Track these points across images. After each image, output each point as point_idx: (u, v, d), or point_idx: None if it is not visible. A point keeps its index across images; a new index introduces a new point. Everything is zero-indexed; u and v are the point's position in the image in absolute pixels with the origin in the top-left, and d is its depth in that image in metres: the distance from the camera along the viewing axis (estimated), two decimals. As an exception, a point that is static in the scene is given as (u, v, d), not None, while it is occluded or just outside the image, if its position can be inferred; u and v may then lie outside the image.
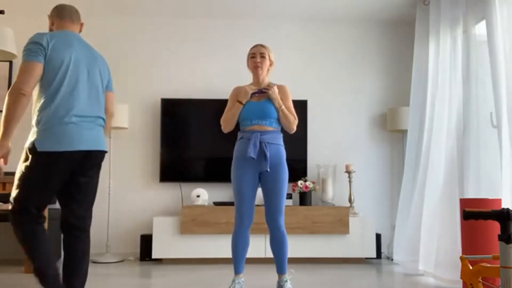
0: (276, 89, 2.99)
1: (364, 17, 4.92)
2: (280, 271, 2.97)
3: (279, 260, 2.96)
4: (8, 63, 4.75)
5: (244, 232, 2.95)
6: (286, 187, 2.97)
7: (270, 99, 2.98)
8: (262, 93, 3.00)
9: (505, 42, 3.14)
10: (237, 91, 3.07)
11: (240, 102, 2.98)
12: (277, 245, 2.94)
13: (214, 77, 4.90)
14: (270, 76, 3.14)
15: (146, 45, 4.91)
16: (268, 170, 2.88)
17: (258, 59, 3.01)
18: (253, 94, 2.99)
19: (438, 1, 4.01)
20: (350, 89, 4.99)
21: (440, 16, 3.95)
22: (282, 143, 3.01)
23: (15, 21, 4.83)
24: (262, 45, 3.07)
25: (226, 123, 3.04)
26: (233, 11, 4.77)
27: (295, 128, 3.03)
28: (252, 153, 2.85)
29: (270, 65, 3.09)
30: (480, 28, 3.53)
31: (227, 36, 4.96)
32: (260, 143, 2.90)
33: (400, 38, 5.05)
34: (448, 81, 3.76)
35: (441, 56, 3.85)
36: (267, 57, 3.04)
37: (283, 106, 2.98)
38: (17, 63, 4.78)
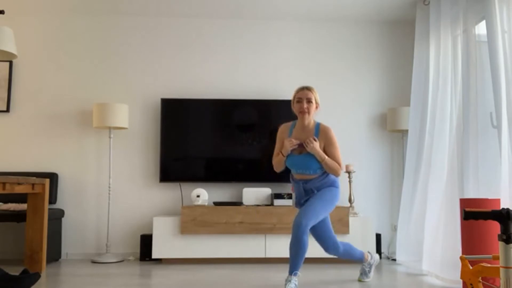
0: (316, 145, 3.01)
1: (364, 17, 4.92)
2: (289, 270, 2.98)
3: (290, 259, 2.98)
4: (8, 63, 4.75)
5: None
6: (325, 203, 3.03)
7: None
8: (303, 146, 3.06)
9: (505, 42, 3.15)
10: (282, 135, 3.19)
11: (283, 154, 3.11)
12: (291, 244, 2.96)
13: (214, 77, 4.90)
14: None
15: (146, 45, 4.91)
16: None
17: (305, 105, 3.06)
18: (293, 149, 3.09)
19: (438, 1, 4.01)
20: (350, 89, 4.99)
21: (440, 16, 3.95)
22: (329, 181, 3.10)
23: (15, 21, 4.84)
24: (308, 89, 3.09)
25: (276, 168, 3.22)
26: (233, 11, 4.77)
27: (340, 173, 3.11)
28: (297, 205, 3.19)
29: (316, 107, 3.13)
30: (480, 28, 3.53)
31: (226, 36, 4.96)
32: (308, 189, 3.09)
33: (400, 38, 5.05)
34: (449, 81, 3.76)
35: (442, 56, 3.85)
36: (313, 101, 3.08)
37: (325, 159, 3.03)
38: (17, 63, 4.79)
